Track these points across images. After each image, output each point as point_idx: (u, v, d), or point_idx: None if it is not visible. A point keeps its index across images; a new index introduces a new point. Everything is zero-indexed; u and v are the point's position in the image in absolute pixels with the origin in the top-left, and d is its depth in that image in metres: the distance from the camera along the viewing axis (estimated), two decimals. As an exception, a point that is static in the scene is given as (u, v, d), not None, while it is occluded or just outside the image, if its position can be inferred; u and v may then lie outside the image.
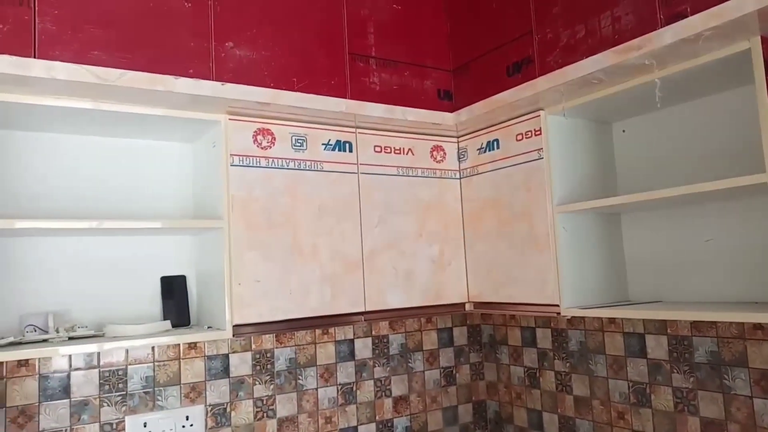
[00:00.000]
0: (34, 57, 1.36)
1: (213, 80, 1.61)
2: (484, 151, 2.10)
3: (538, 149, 1.89)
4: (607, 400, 2.05)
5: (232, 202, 1.72)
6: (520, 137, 1.96)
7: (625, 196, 1.71)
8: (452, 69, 2.11)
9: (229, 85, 1.62)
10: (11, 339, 1.52)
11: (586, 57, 1.62)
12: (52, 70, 1.37)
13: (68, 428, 1.71)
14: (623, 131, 2.03)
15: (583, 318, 2.12)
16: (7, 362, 1.65)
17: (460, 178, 2.20)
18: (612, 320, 2.03)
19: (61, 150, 1.78)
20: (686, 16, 1.39)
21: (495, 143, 2.06)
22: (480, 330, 2.57)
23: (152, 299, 1.88)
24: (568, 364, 2.19)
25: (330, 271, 1.86)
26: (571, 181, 1.91)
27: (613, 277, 1.97)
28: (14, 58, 1.33)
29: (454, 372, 2.47)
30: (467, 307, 2.15)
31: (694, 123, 1.81)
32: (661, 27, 1.44)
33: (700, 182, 1.50)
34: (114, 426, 1.78)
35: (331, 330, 2.18)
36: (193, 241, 1.96)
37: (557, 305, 1.83)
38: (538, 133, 1.90)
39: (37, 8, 1.39)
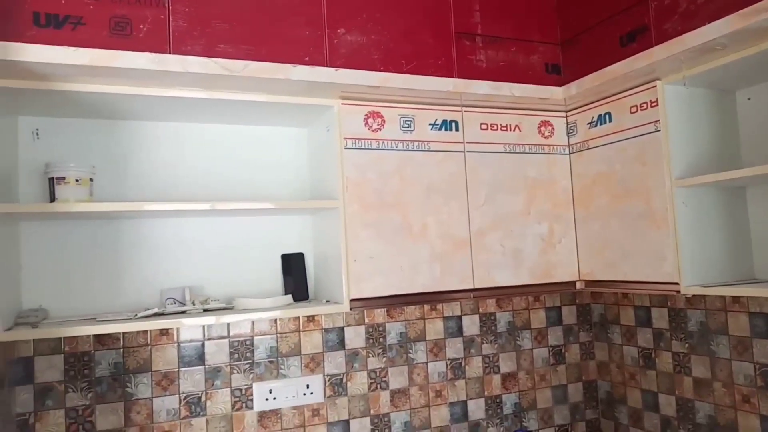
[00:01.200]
0: (170, 53, 1.49)
1: (327, 66, 1.68)
2: (595, 125, 2.04)
3: (655, 121, 1.82)
4: (731, 383, 1.95)
5: (346, 183, 1.80)
6: (634, 109, 1.89)
7: (750, 169, 1.60)
8: (560, 42, 2.06)
9: (342, 70, 1.68)
10: (155, 310, 1.69)
11: (708, 22, 1.52)
12: (186, 64, 1.49)
13: (204, 392, 1.88)
14: (748, 99, 1.90)
15: (703, 297, 2.03)
16: (151, 331, 1.83)
17: (570, 154, 2.15)
18: (736, 299, 1.93)
19: (184, 137, 1.93)
20: (827, -30, 1.28)
21: (607, 116, 1.99)
22: (590, 309, 2.51)
23: (274, 275, 2.01)
24: (686, 345, 2.10)
25: (439, 249, 1.90)
26: (691, 153, 1.82)
27: (738, 255, 1.86)
28: (153, 55, 1.46)
29: (563, 351, 2.44)
30: (578, 285, 2.12)
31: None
32: (798, -17, 1.34)
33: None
34: (243, 392, 1.93)
35: (439, 306, 2.23)
36: (311, 221, 2.07)
37: (677, 283, 1.76)
38: (655, 104, 1.82)
39: (170, 7, 1.51)
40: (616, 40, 1.83)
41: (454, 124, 1.98)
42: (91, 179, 1.64)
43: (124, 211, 1.61)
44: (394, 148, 1.88)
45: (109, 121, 1.84)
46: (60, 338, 1.72)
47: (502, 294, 2.03)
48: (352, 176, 1.81)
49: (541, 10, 2.05)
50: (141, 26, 1.47)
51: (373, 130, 1.85)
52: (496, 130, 2.04)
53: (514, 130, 2.07)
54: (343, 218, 1.79)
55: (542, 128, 2.12)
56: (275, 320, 1.98)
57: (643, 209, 1.86)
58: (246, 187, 1.98)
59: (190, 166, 1.93)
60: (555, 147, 2.14)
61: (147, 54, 1.46)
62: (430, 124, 1.94)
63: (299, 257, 2.02)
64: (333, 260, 1.85)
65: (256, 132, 2.02)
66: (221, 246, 1.95)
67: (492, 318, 2.32)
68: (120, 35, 1.45)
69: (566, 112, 2.16)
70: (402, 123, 1.90)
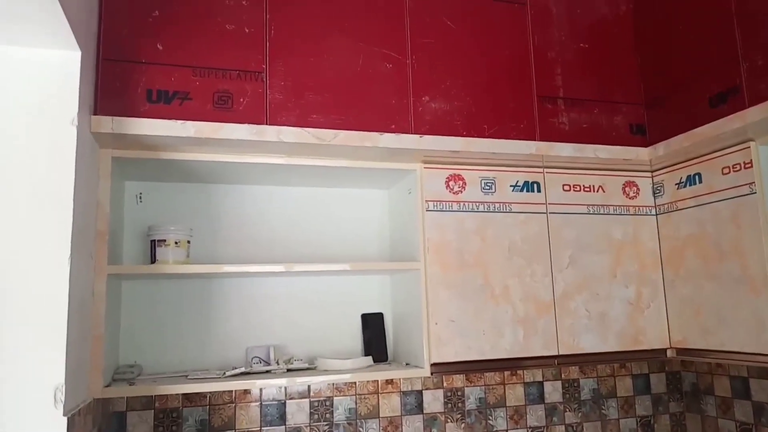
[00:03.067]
0: (266, 123, 1.58)
1: (412, 133, 1.73)
2: (684, 186, 1.98)
3: (750, 183, 1.74)
4: None
5: (427, 245, 1.81)
6: (726, 170, 1.83)
7: None
8: (644, 103, 2.04)
9: (426, 137, 1.73)
10: (242, 369, 1.73)
11: (810, 83, 1.47)
12: (281, 134, 1.57)
13: (284, 452, 1.89)
14: None
15: (812, 370, 1.88)
16: (236, 390, 1.87)
17: (657, 215, 2.09)
18: None
19: (272, 199, 2.02)
20: None
21: (696, 177, 1.93)
22: (680, 377, 2.37)
23: (354, 334, 2.02)
24: (794, 422, 1.94)
25: (522, 312, 1.86)
26: (791, 216, 1.73)
27: None
28: (252, 126, 1.56)
29: (652, 422, 2.30)
30: (669, 353, 2.01)
31: None
32: None
33: None
34: (322, 453, 1.93)
35: (520, 371, 2.17)
36: (390, 280, 2.08)
37: (782, 355, 1.64)
38: (749, 165, 1.75)
39: (268, 81, 1.61)
40: (705, 101, 1.79)
41: (535, 186, 1.97)
42: (188, 241, 1.73)
43: (210, 273, 1.69)
44: (475, 209, 1.89)
45: (205, 185, 1.95)
46: (152, 395, 1.79)
47: (588, 361, 1.96)
48: (433, 237, 1.82)
49: (623, 71, 2.04)
50: (241, 99, 1.57)
51: (454, 193, 1.87)
52: (579, 191, 2.02)
53: (597, 191, 2.03)
54: (424, 279, 1.80)
55: (627, 189, 2.08)
56: (355, 381, 1.98)
57: (739, 274, 1.77)
58: (327, 246, 2.03)
59: (276, 225, 2.01)
60: (641, 208, 2.08)
61: (246, 125, 1.55)
62: (511, 186, 1.94)
63: (379, 317, 2.03)
64: (413, 322, 1.85)
65: (340, 193, 2.09)
66: (304, 303, 1.99)
67: (575, 385, 2.23)
68: (222, 108, 1.56)
69: (652, 172, 2.11)
70: (483, 185, 1.91)
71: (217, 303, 1.92)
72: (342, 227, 2.08)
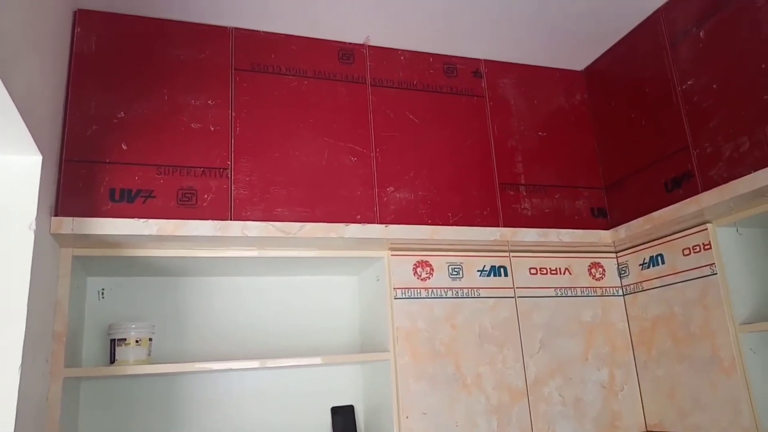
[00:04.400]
0: (231, 219, 1.59)
1: (377, 223, 1.74)
2: (648, 267, 2.01)
3: (710, 264, 1.78)
4: None
5: (396, 334, 1.79)
6: (687, 252, 1.87)
7: None
8: (604, 186, 2.10)
9: (392, 226, 1.74)
10: (205, 473, 1.65)
11: (755, 170, 1.54)
12: (246, 229, 1.58)
13: None
14: (808, 236, 1.86)
15: (790, 451, 1.85)
16: (199, 494, 1.78)
17: (624, 295, 2.11)
18: (828, 455, 1.75)
19: (238, 290, 1.99)
20: None
21: (659, 258, 1.97)
22: (661, 460, 2.32)
23: (323, 427, 1.95)
24: (778, 507, 1.89)
25: (495, 401, 1.83)
26: (754, 296, 1.75)
27: (822, 403, 1.72)
28: (216, 222, 1.56)
29: None
30: (646, 437, 1.98)
31: None
32: (842, 134, 1.35)
33: None
34: None
35: (498, 461, 2.10)
36: (361, 370, 2.04)
37: (757, 439, 1.62)
38: (708, 247, 1.79)
39: (233, 177, 1.63)
40: (661, 186, 1.86)
41: (502, 270, 1.98)
42: (150, 339, 1.69)
43: (173, 372, 1.64)
44: (444, 296, 1.88)
45: (170, 278, 1.92)
46: (108, 503, 1.68)
47: (565, 448, 1.91)
48: (403, 326, 1.81)
49: (582, 157, 2.12)
50: (206, 196, 1.58)
51: (422, 279, 1.87)
52: (546, 274, 2.03)
53: (564, 274, 2.05)
54: (394, 370, 1.77)
55: (593, 270, 2.10)
56: (326, 479, 1.90)
57: (710, 355, 1.77)
58: (297, 337, 2.00)
59: (244, 317, 1.97)
60: (608, 289, 2.10)
61: (210, 221, 1.55)
62: (478, 271, 1.95)
63: (349, 409, 1.97)
64: (385, 415, 1.80)
65: (307, 282, 2.08)
66: (272, 396, 1.93)
67: (555, 473, 2.16)
68: (186, 205, 1.56)
69: (616, 253, 2.14)
70: (450, 271, 1.91)
71: (181, 402, 1.84)
72: (312, 316, 2.05)
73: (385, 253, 1.86)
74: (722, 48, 1.66)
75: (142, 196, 1.53)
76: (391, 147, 1.86)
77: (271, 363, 1.71)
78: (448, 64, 2.03)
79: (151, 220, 1.50)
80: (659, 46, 1.87)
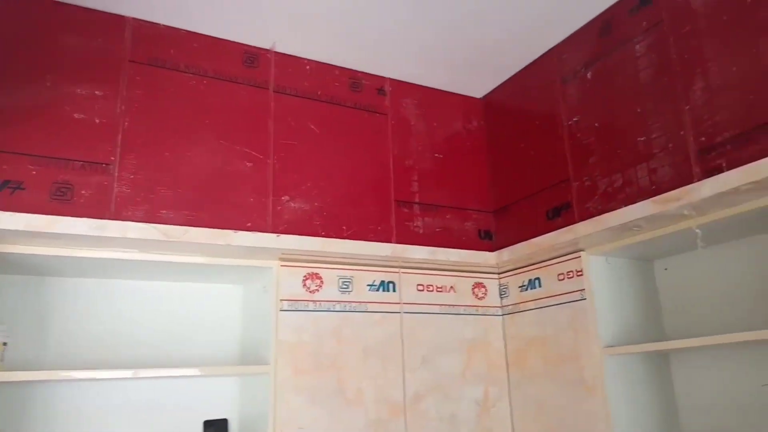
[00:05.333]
0: (110, 218, 1.49)
1: (269, 232, 1.71)
2: (526, 289, 2.12)
3: (581, 290, 1.91)
4: None
5: (280, 347, 1.76)
6: (561, 277, 1.99)
7: (677, 341, 1.70)
8: (493, 211, 2.20)
9: (284, 236, 1.72)
10: (61, 489, 1.53)
11: (625, 205, 1.67)
12: (125, 230, 1.49)
13: None
14: (665, 269, 2.04)
15: (639, 465, 2.01)
16: None
17: (503, 315, 2.21)
18: (671, 469, 1.92)
19: (112, 294, 1.88)
20: (723, 171, 1.45)
21: (537, 281, 2.08)
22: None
23: (198, 443, 1.87)
24: None
25: (374, 416, 1.84)
26: (617, 321, 1.90)
27: (667, 423, 1.89)
28: (93, 220, 1.46)
29: None
30: (515, 452, 2.07)
31: (738, 262, 1.80)
32: (698, 180, 1.50)
33: (749, 325, 1.50)
34: None
35: (375, 474, 2.11)
36: (239, 382, 1.98)
37: (612, 455, 1.75)
38: (580, 273, 1.92)
39: (117, 174, 1.54)
40: (543, 213, 1.97)
41: (391, 285, 2.01)
42: (5, 343, 1.54)
43: (29, 380, 1.51)
44: (332, 309, 1.88)
45: (31, 278, 1.77)
46: None
47: (439, 462, 1.96)
48: (286, 339, 1.78)
49: (475, 181, 2.20)
50: (83, 192, 1.48)
51: (311, 291, 1.86)
52: (433, 290, 2.09)
53: (449, 291, 2.12)
54: (273, 384, 1.73)
55: (476, 290, 2.18)
56: (196, 495, 1.82)
57: (577, 376, 1.89)
58: (175, 346, 1.91)
59: (118, 323, 1.86)
60: (489, 308, 2.19)
61: (86, 220, 1.45)
62: (368, 285, 1.96)
63: (222, 423, 1.91)
64: (260, 429, 1.75)
65: (190, 288, 1.99)
66: (143, 409, 1.82)
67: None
68: (60, 200, 1.45)
69: (498, 275, 2.24)
70: (341, 284, 1.91)
71: (40, 414, 1.69)
72: (192, 325, 1.97)
73: (275, 264, 1.83)
74: (605, 90, 1.80)
75: (9, 188, 1.40)
76: (290, 156, 1.84)
77: (144, 373, 1.62)
78: (354, 79, 2.04)
79: (18, 214, 1.38)
80: (551, 82, 2.00)
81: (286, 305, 1.80)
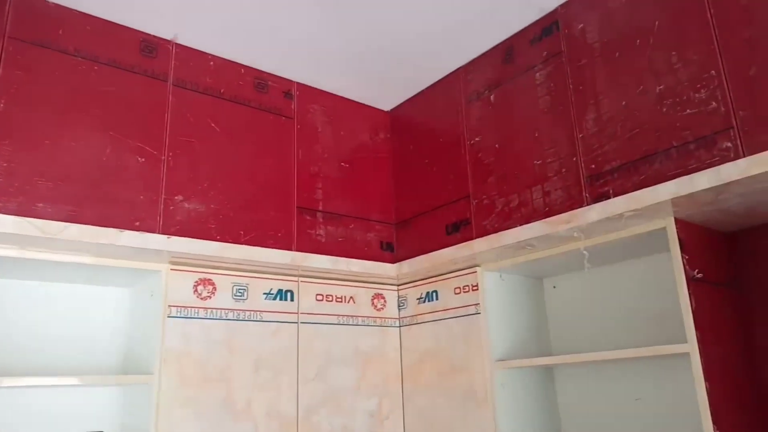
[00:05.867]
0: (-25, 208, 1.33)
1: (159, 233, 1.61)
2: (424, 302, 2.15)
3: (475, 304, 1.96)
4: None
5: (165, 356, 1.65)
6: (458, 290, 2.03)
7: (561, 357, 1.79)
8: (395, 223, 2.21)
9: (175, 238, 1.62)
10: None
11: (520, 224, 1.74)
12: (-8, 222, 1.34)
13: None
14: (554, 287, 2.14)
15: (521, 476, 2.08)
16: None
17: (400, 327, 2.22)
18: (550, 480, 2.01)
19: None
20: (609, 197, 1.54)
21: (434, 294, 2.11)
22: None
23: (65, 460, 1.71)
24: None
25: (264, 429, 1.77)
26: (508, 336, 1.96)
27: (550, 434, 1.98)
28: (-47, 210, 1.30)
29: None
30: (405, 464, 2.08)
31: (621, 282, 1.92)
32: (588, 204, 1.59)
33: (629, 342, 1.63)
34: None
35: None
36: (119, 392, 1.84)
37: (497, 467, 1.80)
38: (475, 288, 1.97)
39: (-15, 161, 1.38)
40: (443, 228, 2.00)
41: (289, 294, 1.96)
42: None
43: None
44: (224, 317, 1.80)
45: None
46: None
47: (328, 476, 1.92)
48: (173, 347, 1.67)
49: (379, 192, 2.20)
50: (-57, 178, 1.31)
51: (202, 298, 1.77)
52: (332, 301, 2.06)
53: (348, 302, 2.10)
54: (156, 395, 1.62)
55: (375, 301, 2.18)
56: None
57: (468, 388, 1.93)
58: (50, 353, 1.74)
59: (-19, 326, 1.67)
60: (386, 320, 2.19)
61: (-56, 210, 1.29)
62: (264, 294, 1.90)
63: (101, 437, 1.76)
64: (140, 444, 1.64)
65: (71, 290, 1.83)
66: (8, 422, 1.64)
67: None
68: None
69: (398, 286, 2.25)
70: (235, 291, 1.84)
71: None
72: (71, 330, 1.80)
73: (164, 267, 1.72)
74: (506, 113, 1.87)
75: None
76: (187, 153, 1.74)
77: (10, 382, 1.46)
78: (260, 80, 1.98)
79: None
80: (456, 102, 2.04)
81: (174, 311, 1.70)
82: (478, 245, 1.84)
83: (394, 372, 2.15)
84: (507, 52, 1.90)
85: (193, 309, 1.73)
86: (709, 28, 1.41)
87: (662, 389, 1.76)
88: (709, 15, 1.41)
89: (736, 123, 1.33)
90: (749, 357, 1.60)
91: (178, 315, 1.70)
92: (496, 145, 1.87)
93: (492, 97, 1.92)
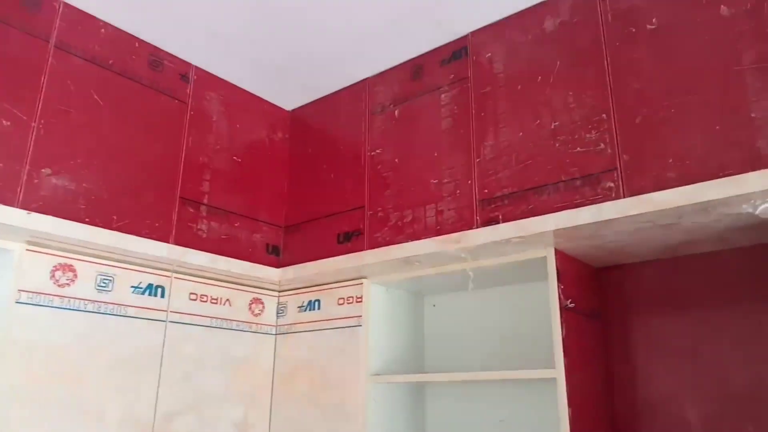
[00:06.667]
0: None
1: (17, 207, 1.42)
2: (305, 310, 2.08)
3: (358, 316, 1.93)
4: None
5: (10, 347, 1.45)
6: (341, 301, 1.99)
7: (431, 374, 1.81)
8: (284, 226, 2.14)
9: (36, 215, 1.44)
10: None
11: (411, 240, 1.74)
12: None
13: None
14: (434, 305, 2.17)
15: (383, 493, 2.07)
16: None
17: (276, 334, 2.13)
18: (411, 497, 2.01)
19: None
20: (499, 222, 1.59)
21: (317, 303, 2.06)
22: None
23: None
24: None
25: (115, 435, 1.61)
26: (386, 351, 1.95)
27: (416, 452, 1.99)
28: None
29: None
30: (266, 478, 1.99)
31: (499, 306, 1.98)
32: (477, 227, 1.62)
33: (501, 364, 1.67)
34: None
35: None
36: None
37: (362, 483, 1.77)
38: (360, 300, 1.95)
39: None
40: (334, 237, 1.97)
41: (160, 290, 1.81)
42: None
43: None
44: (84, 308, 1.62)
45: None
46: None
47: (182, 489, 1.78)
48: (22, 338, 1.48)
49: (271, 193, 2.12)
50: None
51: (60, 285, 1.58)
52: (206, 301, 1.93)
53: (224, 304, 1.98)
54: (-7, 392, 1.42)
55: (253, 305, 2.08)
56: None
57: (340, 401, 1.89)
58: None
59: None
60: (263, 326, 2.10)
61: None
62: (132, 287, 1.74)
63: None
64: (-36, 448, 1.42)
65: None
66: None
67: None
68: None
69: (279, 292, 2.17)
70: (99, 281, 1.67)
71: None
72: None
73: (18, 246, 1.52)
74: (409, 130, 1.88)
75: None
76: (62, 123, 1.56)
77: None
78: (155, 57, 1.84)
79: None
80: (361, 111, 2.03)
81: (24, 297, 1.50)
82: (369, 257, 1.82)
83: (265, 381, 2.06)
84: (416, 69, 1.92)
85: (47, 296, 1.55)
86: (605, 75, 1.51)
87: (528, 412, 1.83)
88: (606, 63, 1.51)
89: (620, 165, 1.43)
90: (607, 385, 1.71)
91: (29, 302, 1.51)
92: (396, 160, 1.88)
93: (397, 111, 1.93)
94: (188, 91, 1.91)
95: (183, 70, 1.91)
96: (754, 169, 1.23)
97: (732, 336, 1.56)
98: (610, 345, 1.76)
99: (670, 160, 1.36)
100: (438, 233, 1.69)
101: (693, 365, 1.60)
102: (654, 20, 1.46)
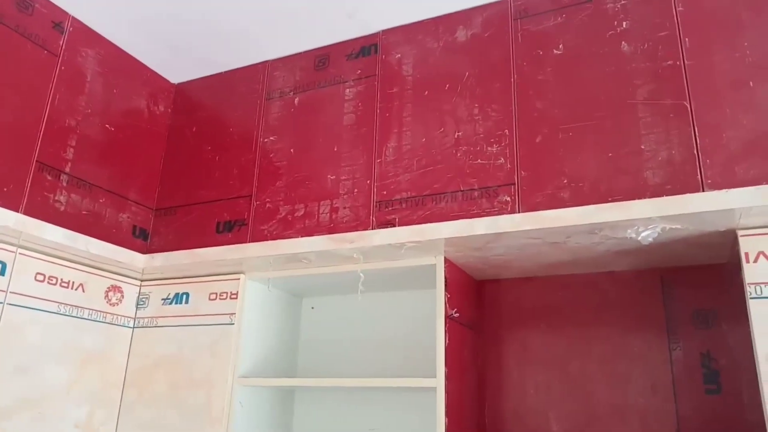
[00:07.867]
0: None
1: None
2: (171, 303, 1.90)
3: (231, 314, 1.79)
4: None
5: None
6: (213, 296, 1.84)
7: (301, 379, 1.74)
8: (156, 208, 1.93)
9: None
10: None
11: (302, 236, 1.65)
12: None
13: None
14: (312, 307, 2.09)
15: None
16: None
17: (134, 327, 1.92)
18: (269, 507, 1.90)
19: None
20: (395, 226, 1.55)
21: (185, 297, 1.88)
22: None
23: None
24: None
25: (-77, 436, 1.34)
26: (257, 351, 1.83)
27: (280, 459, 1.88)
28: None
29: None
30: (107, 487, 1.77)
31: (383, 312, 1.94)
32: (373, 228, 1.58)
33: (377, 372, 1.63)
34: None
35: None
36: None
37: (222, 493, 1.63)
38: (234, 297, 1.81)
39: None
40: (213, 225, 1.82)
41: (0, 266, 1.55)
42: None
43: None
44: None
45: None
46: None
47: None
48: None
49: (144, 170, 1.92)
50: None
51: None
52: (56, 284, 1.69)
53: (77, 289, 1.74)
54: None
55: (110, 293, 1.86)
56: None
57: (204, 403, 1.73)
58: None
59: None
60: (119, 317, 1.88)
61: None
62: (-36, 260, 1.47)
63: None
64: None
65: None
66: None
67: None
68: None
69: (141, 281, 1.96)
70: None
71: None
72: None
73: None
74: (308, 120, 1.79)
75: None
76: None
77: None
78: (23, -3, 1.58)
79: None
80: (256, 94, 1.90)
81: None
82: (252, 250, 1.70)
83: (117, 378, 1.84)
84: (321, 59, 1.84)
85: None
86: (510, 91, 1.54)
87: (401, 421, 1.80)
88: (512, 79, 1.55)
89: (518, 181, 1.46)
90: (479, 396, 1.74)
91: None
92: (292, 150, 1.78)
93: (296, 100, 1.83)
94: (61, 42, 1.67)
95: (57, 18, 1.66)
96: (640, 198, 1.31)
97: (599, 356, 1.66)
98: (485, 356, 1.79)
99: (565, 181, 1.41)
100: (331, 231, 1.62)
101: (561, 382, 1.68)
102: (561, 46, 1.52)
